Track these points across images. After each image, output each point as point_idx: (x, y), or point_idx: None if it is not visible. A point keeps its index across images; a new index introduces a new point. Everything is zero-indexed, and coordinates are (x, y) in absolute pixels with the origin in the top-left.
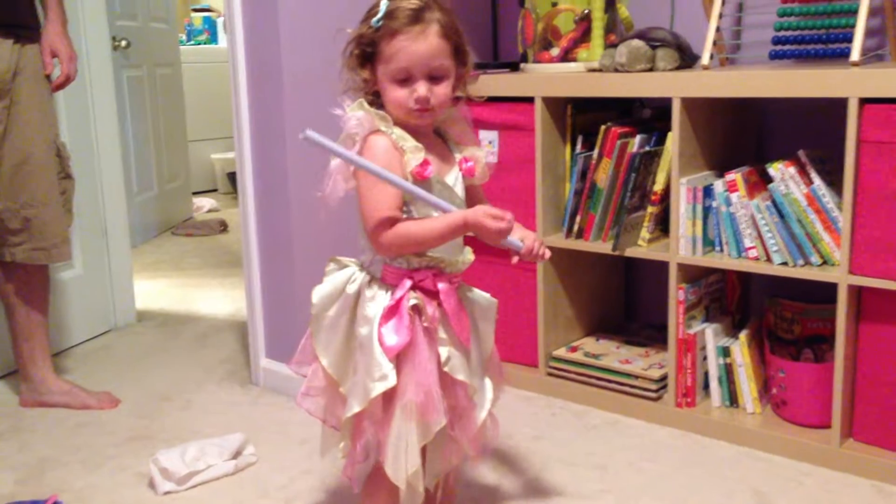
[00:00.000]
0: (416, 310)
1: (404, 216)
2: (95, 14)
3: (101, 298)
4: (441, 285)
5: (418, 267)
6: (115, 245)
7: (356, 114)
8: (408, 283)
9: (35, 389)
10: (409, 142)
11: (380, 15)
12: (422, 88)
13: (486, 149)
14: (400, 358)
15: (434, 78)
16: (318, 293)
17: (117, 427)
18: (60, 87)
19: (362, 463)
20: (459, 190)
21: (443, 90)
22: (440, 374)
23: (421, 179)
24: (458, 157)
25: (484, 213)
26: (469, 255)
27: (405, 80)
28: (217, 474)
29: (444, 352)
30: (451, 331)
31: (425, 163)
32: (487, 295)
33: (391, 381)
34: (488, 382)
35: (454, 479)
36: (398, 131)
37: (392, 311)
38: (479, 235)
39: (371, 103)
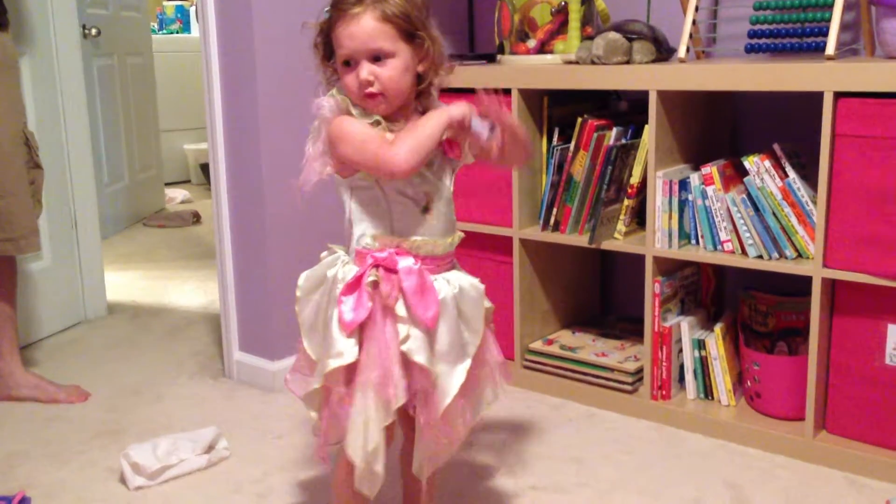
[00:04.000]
0: (376, 286)
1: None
2: (64, 2)
3: (70, 290)
4: (403, 263)
5: (383, 246)
6: (85, 236)
7: (331, 99)
8: (369, 260)
9: (2, 383)
10: (376, 122)
11: (328, 6)
12: (363, 71)
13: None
14: (362, 334)
15: (377, 60)
16: (304, 276)
17: (87, 421)
18: None
19: (336, 443)
20: (439, 172)
21: (387, 73)
22: (403, 354)
23: None
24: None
25: (457, 113)
26: (453, 238)
27: (350, 64)
28: (189, 469)
29: (402, 330)
30: (410, 310)
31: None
32: (475, 280)
33: (347, 357)
34: (461, 369)
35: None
36: (365, 113)
37: (351, 288)
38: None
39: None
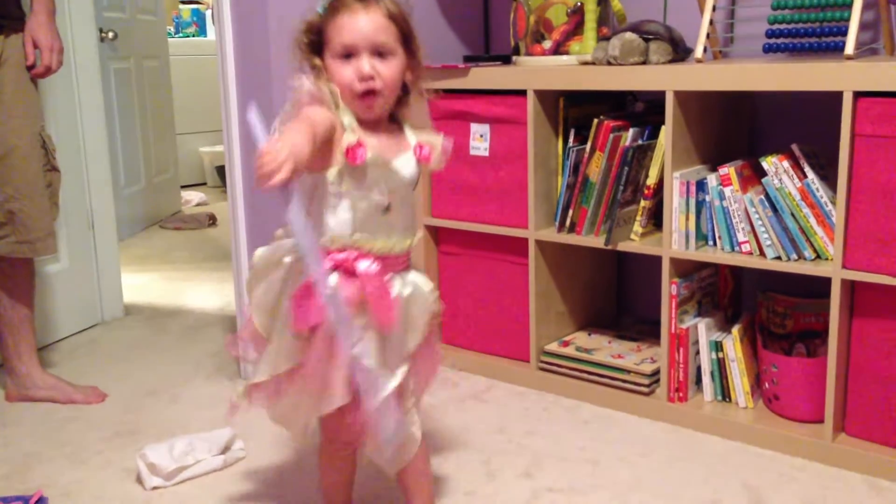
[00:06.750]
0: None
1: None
2: (82, 5)
3: (87, 292)
4: (363, 267)
5: (342, 247)
6: (102, 238)
7: (312, 86)
8: (328, 263)
9: (20, 384)
10: (350, 120)
11: (326, 2)
12: (366, 64)
13: (441, 137)
14: (313, 333)
15: (379, 55)
16: (259, 256)
17: (104, 422)
18: (39, 76)
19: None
20: (409, 173)
21: (389, 70)
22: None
23: (352, 163)
24: (413, 142)
25: None
26: (412, 240)
27: (349, 56)
28: (205, 469)
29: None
30: (369, 314)
31: (359, 144)
32: (428, 282)
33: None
34: (398, 373)
35: (420, 476)
36: (343, 109)
37: (307, 290)
38: None
39: None
